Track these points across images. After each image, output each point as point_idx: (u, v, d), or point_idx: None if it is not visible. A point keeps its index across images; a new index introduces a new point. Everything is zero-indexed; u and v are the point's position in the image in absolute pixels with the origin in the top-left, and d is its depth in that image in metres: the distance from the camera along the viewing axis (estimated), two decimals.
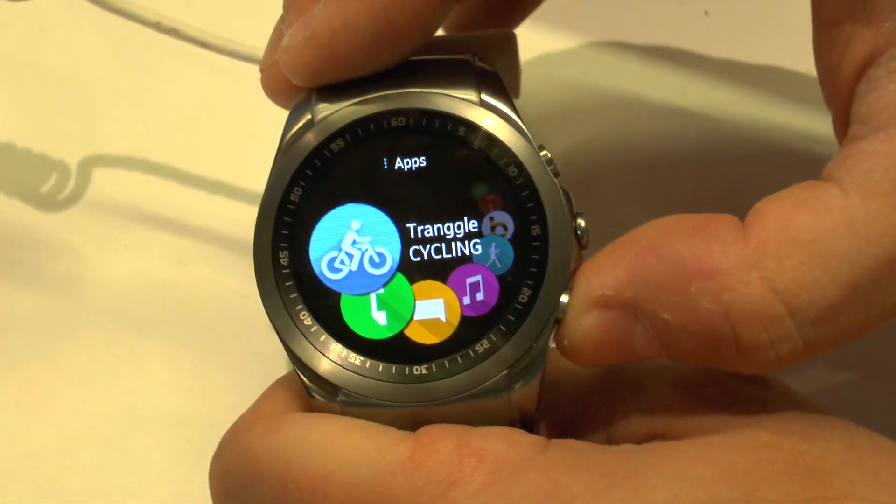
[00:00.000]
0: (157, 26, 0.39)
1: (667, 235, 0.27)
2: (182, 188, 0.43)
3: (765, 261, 0.25)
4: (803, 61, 0.41)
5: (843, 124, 0.27)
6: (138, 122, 0.45)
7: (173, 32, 0.39)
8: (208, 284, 0.41)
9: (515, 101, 0.35)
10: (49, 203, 0.43)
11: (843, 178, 0.26)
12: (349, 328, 0.28)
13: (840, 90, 0.27)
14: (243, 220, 0.41)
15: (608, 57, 0.46)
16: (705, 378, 0.28)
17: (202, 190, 0.43)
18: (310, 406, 0.28)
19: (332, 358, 0.28)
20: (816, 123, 0.43)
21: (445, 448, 0.26)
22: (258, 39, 0.38)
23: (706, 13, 0.47)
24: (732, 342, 0.26)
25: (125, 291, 0.41)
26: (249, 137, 0.42)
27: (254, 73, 0.38)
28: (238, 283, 0.41)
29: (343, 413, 0.28)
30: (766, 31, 0.45)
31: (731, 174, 0.42)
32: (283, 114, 0.30)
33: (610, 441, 0.28)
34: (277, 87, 0.30)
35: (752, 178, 0.42)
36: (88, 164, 0.44)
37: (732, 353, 0.26)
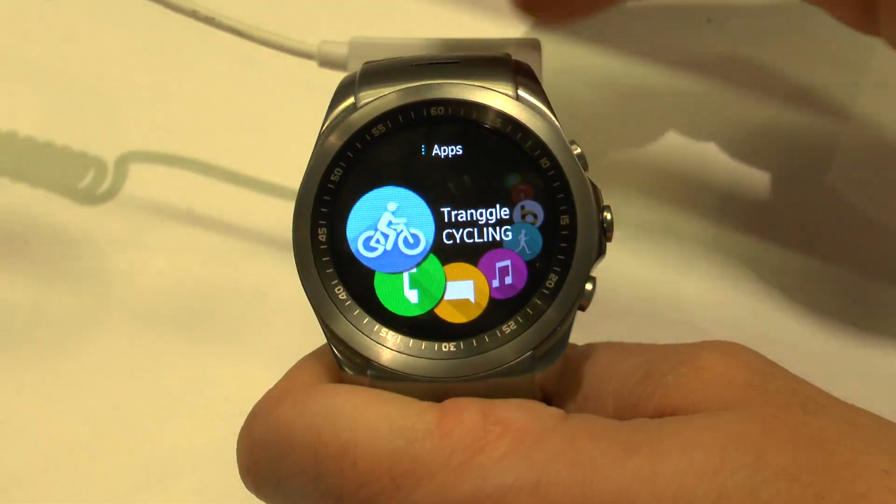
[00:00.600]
0: (194, 14, 0.39)
1: None
2: (215, 183, 0.44)
3: None
4: (805, 69, 0.42)
5: None
6: (173, 118, 0.46)
7: (209, 21, 0.39)
8: (232, 282, 0.42)
9: None
10: (87, 198, 0.44)
11: None
12: (382, 305, 0.29)
13: None
14: (272, 215, 0.43)
15: (610, 64, 0.47)
16: (710, 362, 0.29)
17: (235, 185, 0.44)
18: (340, 379, 0.29)
19: (364, 332, 0.29)
20: (819, 124, 0.44)
21: (471, 417, 0.27)
22: (292, 30, 0.39)
23: (709, 20, 0.48)
24: None
25: (151, 288, 0.42)
26: (285, 131, 0.43)
27: (287, 65, 0.40)
28: (261, 281, 0.42)
29: (372, 386, 0.29)
30: (769, 37, 0.47)
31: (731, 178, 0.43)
32: (317, 109, 0.31)
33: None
34: None
35: (754, 181, 0.43)
36: (126, 160, 0.45)
37: None
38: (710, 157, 0.44)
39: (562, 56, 0.45)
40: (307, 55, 0.39)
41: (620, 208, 0.41)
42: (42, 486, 0.38)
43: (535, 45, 0.39)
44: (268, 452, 0.28)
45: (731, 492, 0.25)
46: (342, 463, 0.27)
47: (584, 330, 0.39)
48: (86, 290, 0.42)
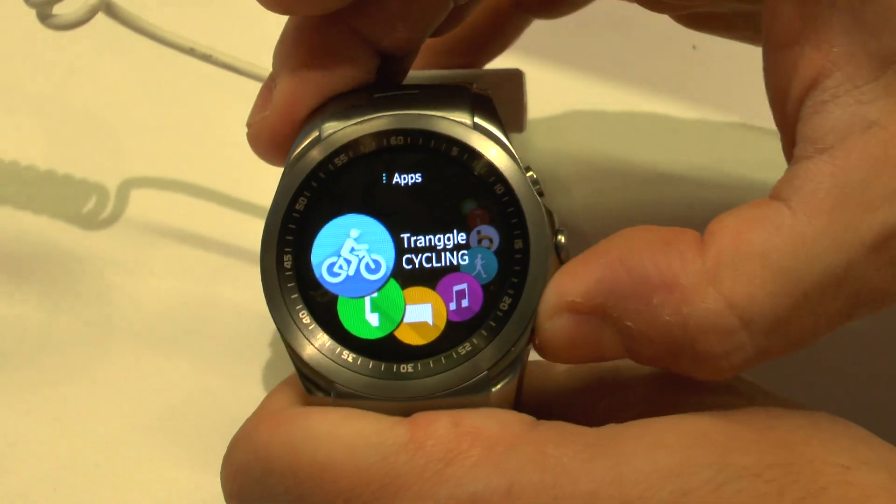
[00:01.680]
0: (191, 52, 0.41)
1: (634, 247, 0.28)
2: (214, 208, 0.45)
3: (720, 275, 0.27)
4: None
5: (790, 144, 0.29)
6: (173, 146, 0.47)
7: (206, 58, 0.41)
8: (232, 303, 0.43)
9: (520, 134, 0.37)
10: (90, 223, 0.45)
11: (791, 197, 0.27)
12: (344, 328, 0.30)
13: (788, 111, 0.29)
14: None
15: (595, 90, 0.48)
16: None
17: (233, 209, 0.45)
18: (309, 402, 0.30)
19: (327, 354, 0.30)
20: None
21: (442, 428, 0.28)
22: None
23: (694, 47, 0.48)
24: (689, 352, 0.27)
25: (154, 310, 0.43)
26: None
27: None
28: (260, 301, 0.43)
29: (339, 405, 0.29)
30: (755, 61, 0.47)
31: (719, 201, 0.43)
32: None
33: None
34: (265, 139, 0.33)
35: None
36: (127, 187, 0.46)
37: (689, 361, 0.28)
38: (698, 180, 0.45)
39: (549, 85, 0.46)
40: None
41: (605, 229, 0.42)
42: (51, 502, 0.39)
43: (517, 76, 0.40)
44: (250, 477, 0.29)
45: (695, 490, 0.26)
46: (322, 481, 0.28)
47: None
48: (91, 312, 0.43)
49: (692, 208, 0.44)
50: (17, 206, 0.46)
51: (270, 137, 0.32)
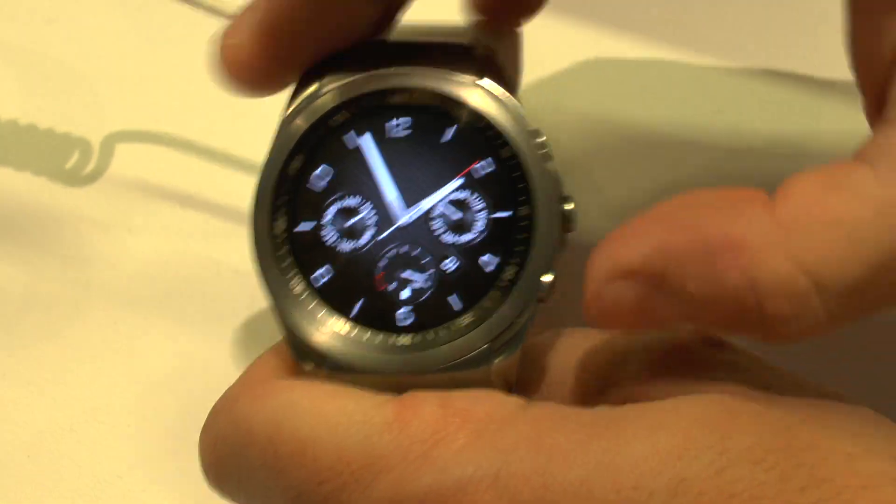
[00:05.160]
0: None
1: (694, 208, 0.27)
2: (201, 163, 0.45)
3: (793, 238, 0.26)
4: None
5: (876, 108, 0.28)
6: (159, 98, 0.46)
7: (190, 1, 0.40)
8: (219, 263, 0.42)
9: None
10: (73, 179, 0.44)
11: (877, 161, 0.26)
12: (338, 297, 0.29)
13: (875, 74, 0.28)
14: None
15: (595, 41, 0.47)
16: (675, 349, 0.29)
17: (221, 165, 0.45)
18: (298, 373, 0.29)
19: (319, 325, 0.29)
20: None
21: (429, 409, 0.27)
22: None
23: None
24: (757, 314, 0.26)
25: (139, 270, 0.42)
26: (269, 111, 0.43)
27: None
28: (247, 262, 0.42)
29: (329, 379, 0.29)
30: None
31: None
32: None
33: None
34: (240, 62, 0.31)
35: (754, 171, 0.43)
36: (111, 141, 0.45)
37: (756, 324, 0.27)
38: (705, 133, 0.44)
39: (550, 36, 0.45)
40: None
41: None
42: (26, 472, 0.38)
43: (512, 35, 0.39)
44: (229, 449, 0.29)
45: (695, 475, 0.25)
46: (302, 459, 0.27)
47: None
48: (73, 272, 0.42)
49: (696, 164, 0.44)
50: None
51: (246, 63, 0.31)
